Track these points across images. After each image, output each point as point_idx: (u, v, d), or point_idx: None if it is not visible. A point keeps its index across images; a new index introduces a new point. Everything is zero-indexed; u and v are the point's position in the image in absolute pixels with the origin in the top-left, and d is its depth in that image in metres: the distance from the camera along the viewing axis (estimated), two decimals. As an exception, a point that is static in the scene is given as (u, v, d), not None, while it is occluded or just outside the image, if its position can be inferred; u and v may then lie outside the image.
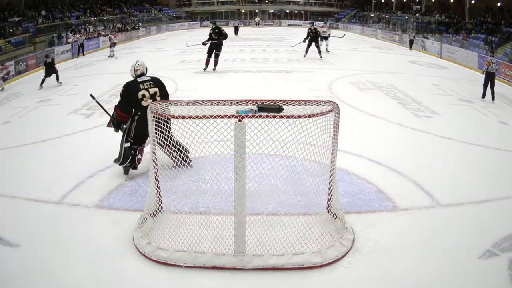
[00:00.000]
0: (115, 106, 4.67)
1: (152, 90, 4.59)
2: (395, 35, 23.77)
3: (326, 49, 16.31)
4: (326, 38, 16.29)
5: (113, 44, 16.76)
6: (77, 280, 3.01)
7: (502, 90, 10.37)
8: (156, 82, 4.70)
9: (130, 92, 4.55)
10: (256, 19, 37.86)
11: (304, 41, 14.80)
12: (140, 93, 4.51)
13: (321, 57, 14.42)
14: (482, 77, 9.48)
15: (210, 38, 11.22)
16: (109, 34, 18.14)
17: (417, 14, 27.94)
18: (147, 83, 4.61)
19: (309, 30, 14.76)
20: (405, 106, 8.07)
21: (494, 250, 3.33)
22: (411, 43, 19.66)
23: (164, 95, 4.73)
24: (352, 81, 10.49)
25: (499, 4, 21.55)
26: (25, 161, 5.34)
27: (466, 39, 18.62)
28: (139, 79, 4.64)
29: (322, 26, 16.93)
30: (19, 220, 3.84)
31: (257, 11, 40.88)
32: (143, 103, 4.45)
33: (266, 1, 41.44)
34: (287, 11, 41.31)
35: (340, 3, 40.43)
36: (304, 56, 14.76)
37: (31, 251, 3.34)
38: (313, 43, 14.61)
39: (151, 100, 4.47)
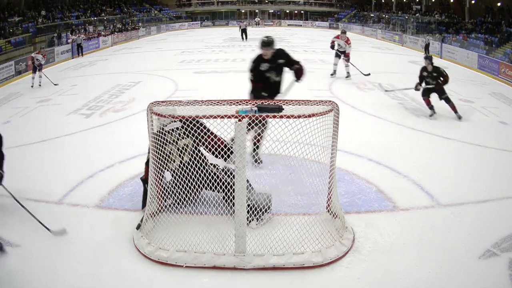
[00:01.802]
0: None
1: (182, 143, 3.57)
2: (395, 35, 23.78)
3: (347, 73, 10.72)
4: (344, 54, 10.51)
5: (39, 66, 10.94)
6: (77, 280, 3.01)
7: (502, 90, 10.37)
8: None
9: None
10: (256, 19, 37.84)
11: (417, 88, 7.54)
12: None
13: (459, 116, 7.16)
14: (482, 77, 9.49)
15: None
16: (34, 54, 11.39)
17: (417, 14, 27.95)
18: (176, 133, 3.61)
19: (426, 74, 7.42)
20: (405, 106, 8.07)
21: (494, 250, 3.33)
22: (427, 47, 17.59)
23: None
24: (352, 81, 10.49)
25: (499, 4, 21.56)
26: (25, 161, 5.34)
27: (466, 39, 18.63)
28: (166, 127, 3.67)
29: (338, 36, 10.63)
30: (19, 220, 3.83)
31: (257, 11, 40.89)
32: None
33: (266, 1, 41.44)
34: (287, 11, 41.32)
35: (340, 3, 40.44)
36: (432, 114, 7.31)
37: (31, 251, 3.34)
38: (436, 95, 7.39)
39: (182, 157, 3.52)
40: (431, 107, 7.38)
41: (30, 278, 3.02)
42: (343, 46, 10.45)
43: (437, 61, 15.77)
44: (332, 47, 10.63)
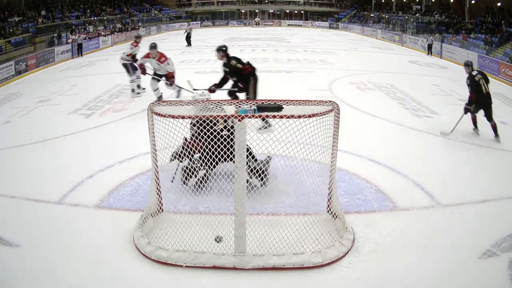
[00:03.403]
0: None
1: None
2: (395, 35, 23.78)
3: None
4: (166, 77, 7.61)
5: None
6: (77, 280, 3.01)
7: (502, 90, 10.37)
8: None
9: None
10: (256, 19, 37.84)
11: (467, 111, 6.23)
12: None
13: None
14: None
15: None
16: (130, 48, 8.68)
17: (417, 14, 27.95)
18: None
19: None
20: (405, 106, 8.07)
21: (494, 250, 3.33)
22: (429, 47, 17.56)
23: None
24: (352, 81, 10.50)
25: (499, 4, 21.55)
26: (25, 161, 5.34)
27: (466, 39, 18.63)
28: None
29: (148, 55, 7.51)
30: (19, 220, 3.84)
31: (257, 11, 40.89)
32: None
33: (266, 1, 41.44)
34: (287, 11, 41.32)
35: (340, 3, 40.45)
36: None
37: (31, 251, 3.35)
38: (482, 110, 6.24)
39: None
40: (475, 124, 6.39)
41: (30, 278, 3.03)
42: (157, 67, 7.56)
43: (437, 61, 15.85)
44: (144, 71, 7.73)
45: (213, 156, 3.47)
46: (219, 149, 3.36)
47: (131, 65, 8.54)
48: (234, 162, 3.69)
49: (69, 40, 18.61)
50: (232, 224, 3.16)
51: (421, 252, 3.33)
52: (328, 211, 3.61)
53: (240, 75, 6.30)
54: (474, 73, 6.39)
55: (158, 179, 3.60)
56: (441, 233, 3.61)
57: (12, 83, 11.88)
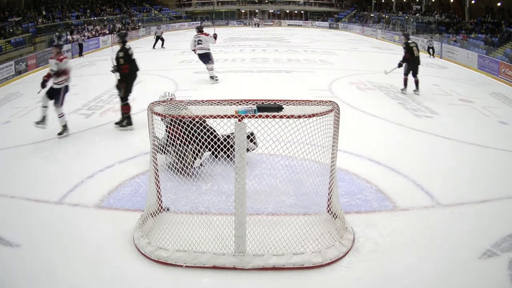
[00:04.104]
0: None
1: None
2: (395, 35, 23.79)
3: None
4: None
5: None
6: (77, 280, 3.01)
7: (502, 90, 10.38)
8: None
9: None
10: (255, 19, 37.82)
11: (400, 66, 9.09)
12: None
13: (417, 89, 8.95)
14: (482, 77, 9.46)
15: None
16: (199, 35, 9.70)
17: (417, 14, 27.96)
18: None
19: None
20: (405, 106, 8.07)
21: (494, 250, 3.33)
22: (432, 50, 16.74)
23: None
24: (352, 81, 10.50)
25: (499, 4, 21.57)
26: (25, 161, 5.34)
27: (466, 39, 18.64)
28: None
29: (53, 57, 6.33)
30: (19, 220, 3.84)
31: (257, 11, 40.92)
32: None
33: (266, 1, 41.45)
34: (287, 11, 41.34)
35: (340, 3, 40.47)
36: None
37: (31, 251, 3.34)
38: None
39: None
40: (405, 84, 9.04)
41: (30, 278, 3.02)
42: (55, 68, 6.15)
43: (437, 61, 15.84)
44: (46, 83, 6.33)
45: (190, 145, 3.63)
46: (192, 137, 3.51)
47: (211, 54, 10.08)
48: (210, 151, 3.85)
49: (69, 37, 18.59)
50: (232, 224, 3.16)
51: (421, 252, 3.33)
52: (328, 211, 3.61)
53: (119, 69, 6.62)
54: (409, 41, 8.72)
55: (158, 179, 3.60)
56: (441, 233, 3.61)
57: (12, 83, 11.88)
